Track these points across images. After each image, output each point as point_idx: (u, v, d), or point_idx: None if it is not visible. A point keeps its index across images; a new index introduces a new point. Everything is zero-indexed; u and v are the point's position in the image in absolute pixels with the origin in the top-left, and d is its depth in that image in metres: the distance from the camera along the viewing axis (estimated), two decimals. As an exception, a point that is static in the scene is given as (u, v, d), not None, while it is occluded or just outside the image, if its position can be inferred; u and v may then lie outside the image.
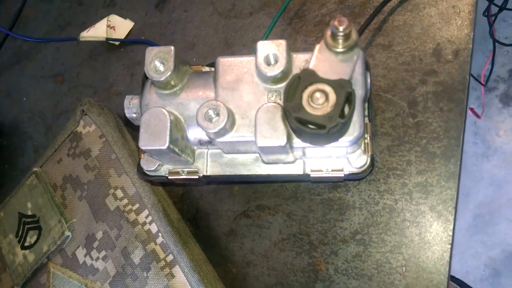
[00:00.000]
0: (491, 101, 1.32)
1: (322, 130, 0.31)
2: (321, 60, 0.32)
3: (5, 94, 0.64)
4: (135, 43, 0.56)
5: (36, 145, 0.60)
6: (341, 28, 0.30)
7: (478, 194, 1.28)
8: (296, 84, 0.31)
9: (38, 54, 0.63)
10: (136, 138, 0.48)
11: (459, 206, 0.39)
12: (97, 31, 0.56)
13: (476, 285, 1.23)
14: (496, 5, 0.85)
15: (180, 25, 0.54)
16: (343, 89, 0.31)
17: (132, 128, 0.47)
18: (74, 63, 0.59)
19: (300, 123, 0.31)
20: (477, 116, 1.25)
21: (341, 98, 0.31)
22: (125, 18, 0.58)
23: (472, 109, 1.25)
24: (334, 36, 0.31)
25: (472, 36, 0.40)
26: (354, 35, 0.32)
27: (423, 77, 0.41)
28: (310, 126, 0.31)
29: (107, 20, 0.57)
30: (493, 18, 0.84)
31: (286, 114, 0.32)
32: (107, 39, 0.56)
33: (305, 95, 0.31)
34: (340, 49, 0.32)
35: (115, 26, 0.57)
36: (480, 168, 1.31)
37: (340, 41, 0.32)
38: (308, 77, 0.31)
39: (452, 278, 1.02)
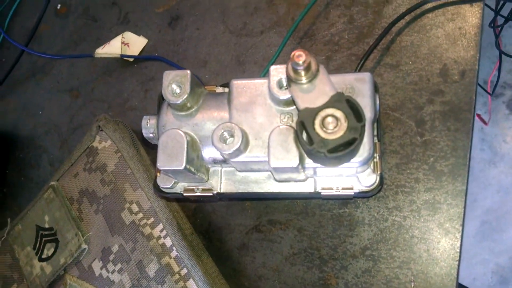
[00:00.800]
0: (498, 107, 1.33)
1: (352, 145, 0.32)
2: (301, 97, 0.33)
3: (21, 108, 0.65)
4: (148, 59, 0.58)
5: (51, 158, 0.61)
6: (301, 62, 0.31)
7: (485, 200, 1.28)
8: (303, 129, 0.33)
9: (53, 69, 0.65)
10: (150, 152, 0.50)
11: (466, 212, 0.39)
12: (112, 48, 0.58)
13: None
14: (502, 16, 0.85)
15: (193, 43, 0.55)
16: (341, 101, 0.32)
17: (147, 146, 0.49)
18: (89, 79, 0.61)
19: (334, 152, 0.32)
20: (484, 122, 1.25)
21: (346, 109, 0.32)
22: (138, 35, 0.59)
23: (479, 115, 1.26)
24: (295, 70, 0.32)
25: (478, 58, 0.41)
26: (313, 66, 0.32)
27: (430, 96, 0.42)
28: (340, 149, 0.32)
29: (122, 37, 0.58)
30: (499, 29, 0.85)
31: (316, 155, 0.32)
32: (122, 55, 0.57)
33: (319, 130, 0.32)
34: (304, 81, 0.33)
35: (129, 43, 0.58)
36: (487, 174, 1.31)
37: (303, 73, 0.32)
38: (308, 115, 0.32)
39: (459, 286, 1.03)
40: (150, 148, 0.49)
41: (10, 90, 0.67)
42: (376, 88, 0.37)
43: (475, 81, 0.41)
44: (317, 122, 0.32)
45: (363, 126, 0.32)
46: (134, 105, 0.57)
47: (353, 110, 0.32)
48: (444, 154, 0.41)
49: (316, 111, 0.32)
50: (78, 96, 0.62)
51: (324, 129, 0.31)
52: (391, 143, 0.42)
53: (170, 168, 0.36)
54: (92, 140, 0.52)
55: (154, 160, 0.49)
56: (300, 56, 0.31)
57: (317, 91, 0.33)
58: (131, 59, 0.58)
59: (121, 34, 0.59)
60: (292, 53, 0.32)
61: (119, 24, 0.61)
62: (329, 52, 0.47)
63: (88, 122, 0.59)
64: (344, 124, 0.32)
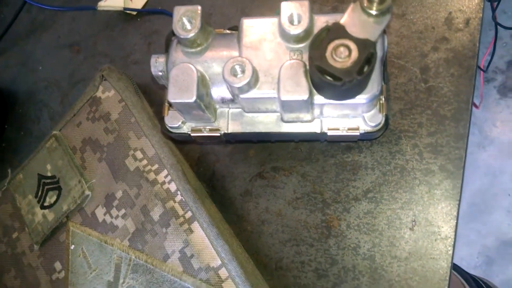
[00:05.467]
0: (489, 92, 1.35)
1: (338, 82, 0.32)
2: (352, 18, 0.33)
3: (21, 63, 0.65)
4: (152, 13, 0.57)
5: (51, 113, 0.61)
6: None
7: (473, 183, 1.31)
8: (324, 36, 0.33)
9: (54, 24, 0.64)
10: (152, 104, 0.50)
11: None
12: (115, 1, 0.58)
13: (469, 272, 1.26)
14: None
15: (197, -4, 0.55)
16: (366, 48, 0.33)
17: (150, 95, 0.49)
18: (91, 33, 0.61)
19: (319, 72, 0.33)
20: (475, 106, 1.27)
21: (362, 56, 0.33)
22: (142, -11, 0.59)
23: (470, 99, 1.27)
24: None
25: (482, 6, 0.42)
26: (387, 3, 0.33)
27: (435, 44, 0.43)
28: (328, 77, 0.33)
29: (125, -9, 0.58)
30: (495, 3, 0.86)
31: (309, 61, 0.33)
32: (125, 9, 0.57)
33: (330, 47, 0.32)
34: (373, 11, 0.33)
35: (132, -3, 0.58)
36: (476, 158, 1.33)
37: (375, 3, 0.32)
38: (337, 31, 0.33)
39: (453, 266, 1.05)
40: (154, 96, 0.49)
41: (10, 46, 0.66)
42: (384, 30, 0.38)
43: (479, 28, 0.42)
44: (336, 42, 0.32)
45: (357, 80, 0.32)
46: (137, 58, 0.57)
47: (366, 63, 0.33)
48: (447, 99, 0.42)
49: (345, 35, 0.33)
50: (80, 51, 0.61)
51: (334, 51, 0.32)
52: (396, 90, 0.43)
53: (181, 101, 0.36)
54: (95, 90, 0.52)
55: (156, 112, 0.49)
56: None
57: (364, 26, 0.33)
58: (134, 13, 0.58)
59: (125, -13, 0.58)
60: None
61: (122, -22, 0.61)
62: (336, 2, 0.48)
63: (89, 77, 0.58)
64: (347, 64, 0.32)
